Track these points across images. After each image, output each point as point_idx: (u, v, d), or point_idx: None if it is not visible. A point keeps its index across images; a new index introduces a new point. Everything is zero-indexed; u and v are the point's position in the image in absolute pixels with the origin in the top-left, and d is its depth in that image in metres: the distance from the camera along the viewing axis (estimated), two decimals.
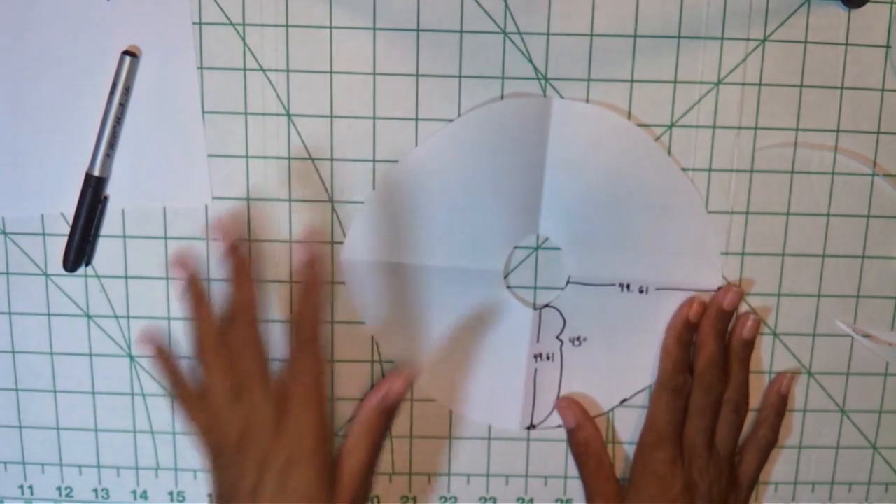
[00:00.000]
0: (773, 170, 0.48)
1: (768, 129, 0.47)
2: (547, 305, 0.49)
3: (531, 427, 0.50)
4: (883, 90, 0.47)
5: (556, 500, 0.52)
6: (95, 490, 0.52)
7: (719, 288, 0.48)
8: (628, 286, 0.48)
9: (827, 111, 0.47)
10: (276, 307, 0.49)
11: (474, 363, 0.49)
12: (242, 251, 0.43)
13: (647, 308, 0.48)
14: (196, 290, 0.43)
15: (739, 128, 0.47)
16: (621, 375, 0.50)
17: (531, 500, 0.52)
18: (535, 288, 0.49)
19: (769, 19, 0.46)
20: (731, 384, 0.48)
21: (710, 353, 0.47)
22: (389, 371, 0.49)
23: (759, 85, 0.47)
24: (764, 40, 0.46)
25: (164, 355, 0.44)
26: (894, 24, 0.46)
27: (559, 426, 0.50)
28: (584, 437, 0.49)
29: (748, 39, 0.46)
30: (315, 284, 0.43)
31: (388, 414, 0.43)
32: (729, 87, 0.47)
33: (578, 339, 0.49)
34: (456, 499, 0.52)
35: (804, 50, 0.47)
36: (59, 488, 0.52)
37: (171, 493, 0.52)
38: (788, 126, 0.47)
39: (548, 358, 0.49)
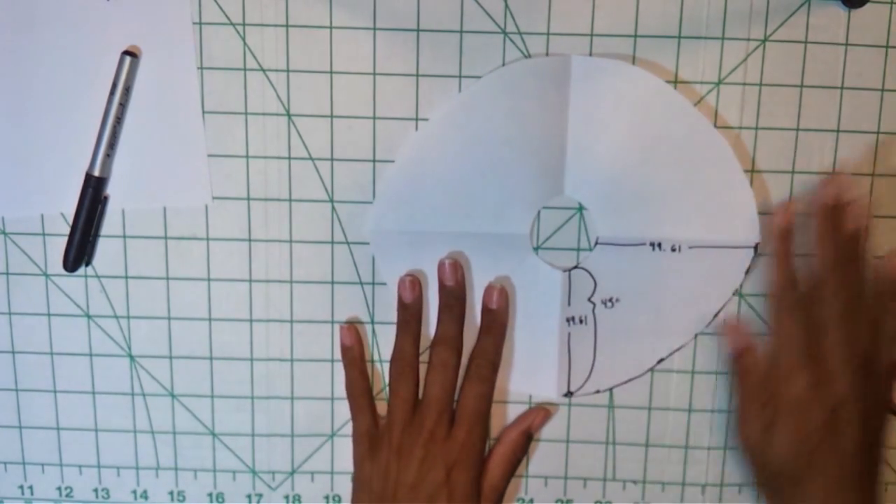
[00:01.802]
0: (773, 170, 0.48)
1: (768, 129, 0.47)
2: (576, 267, 0.48)
3: (569, 394, 0.50)
4: (883, 90, 0.47)
5: (556, 501, 0.52)
6: (96, 490, 0.52)
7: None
8: (659, 245, 0.47)
9: (827, 111, 0.47)
10: (276, 307, 0.49)
11: (507, 329, 0.48)
12: (461, 292, 0.48)
13: (680, 266, 0.47)
14: (413, 313, 0.47)
15: (740, 128, 0.47)
16: (657, 335, 0.49)
17: (531, 501, 0.52)
18: (563, 250, 0.48)
19: (769, 19, 0.46)
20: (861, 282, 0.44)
21: (827, 255, 0.44)
22: (534, 406, 0.50)
23: (760, 85, 0.47)
24: (764, 40, 0.46)
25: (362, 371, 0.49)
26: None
27: (597, 391, 0.50)
28: (752, 361, 0.46)
29: (748, 39, 0.46)
30: (500, 323, 0.47)
31: (529, 439, 0.49)
32: (729, 87, 0.47)
33: (611, 300, 0.49)
34: None
35: (804, 50, 0.47)
36: (59, 488, 0.52)
37: (171, 493, 0.52)
38: (788, 126, 0.47)
39: (581, 321, 0.49)
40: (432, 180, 0.47)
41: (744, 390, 0.47)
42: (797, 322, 0.44)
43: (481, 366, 0.47)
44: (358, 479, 0.48)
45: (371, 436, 0.48)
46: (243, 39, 0.46)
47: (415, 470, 0.45)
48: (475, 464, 0.46)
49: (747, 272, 0.48)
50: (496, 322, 0.47)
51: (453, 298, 0.47)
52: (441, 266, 0.47)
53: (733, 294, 0.48)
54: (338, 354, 0.50)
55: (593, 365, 0.49)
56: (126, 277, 0.49)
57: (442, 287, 0.47)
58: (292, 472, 0.51)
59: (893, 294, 0.45)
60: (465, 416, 0.46)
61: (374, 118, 0.47)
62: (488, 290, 0.48)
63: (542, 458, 0.51)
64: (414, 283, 0.47)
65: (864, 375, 0.43)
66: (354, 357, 0.49)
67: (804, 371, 0.43)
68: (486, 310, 0.48)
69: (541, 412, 0.50)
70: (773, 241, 0.46)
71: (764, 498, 0.46)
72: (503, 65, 0.46)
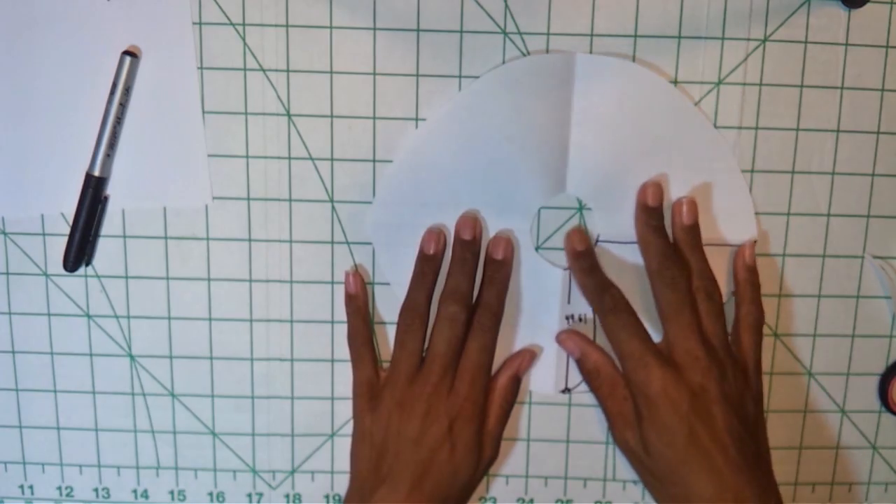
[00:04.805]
0: (773, 170, 0.48)
1: (768, 129, 0.47)
2: None
3: (566, 391, 0.50)
4: (883, 90, 0.47)
5: (556, 501, 0.52)
6: (96, 489, 0.52)
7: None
8: None
9: (827, 111, 0.47)
10: (276, 307, 0.49)
11: (507, 326, 0.48)
12: (477, 248, 0.47)
13: None
14: (432, 267, 0.47)
15: (740, 128, 0.47)
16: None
17: (531, 500, 0.52)
18: (564, 249, 0.48)
19: (769, 19, 0.46)
20: (692, 274, 0.45)
21: (657, 249, 0.45)
22: (519, 350, 0.49)
23: (760, 85, 0.47)
24: (764, 40, 0.46)
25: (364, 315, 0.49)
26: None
27: None
28: (594, 363, 0.47)
29: (748, 39, 0.46)
30: (504, 275, 0.47)
31: (518, 383, 0.48)
32: (729, 87, 0.47)
33: None
34: None
35: (804, 50, 0.47)
36: (59, 488, 0.52)
37: (171, 493, 0.52)
38: (788, 126, 0.47)
39: (580, 320, 0.49)
40: (434, 175, 0.47)
41: (600, 392, 0.47)
42: (633, 316, 0.46)
43: (484, 316, 0.47)
44: (358, 431, 0.48)
45: (372, 386, 0.48)
46: (243, 39, 0.46)
47: (417, 424, 0.45)
48: (477, 416, 0.46)
49: None
50: (500, 273, 0.47)
51: (468, 252, 0.47)
52: (461, 219, 0.47)
53: (731, 293, 0.48)
54: (338, 354, 0.50)
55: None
56: (126, 277, 0.49)
57: (458, 240, 0.47)
58: (293, 472, 0.52)
59: (746, 282, 0.47)
60: (468, 369, 0.46)
61: (374, 118, 0.47)
62: (495, 241, 0.47)
63: (542, 458, 0.51)
64: (440, 236, 0.47)
65: (707, 354, 0.44)
66: (359, 306, 0.49)
67: (655, 363, 0.44)
68: (490, 261, 0.47)
69: (527, 354, 0.49)
70: (573, 260, 0.47)
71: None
72: (502, 64, 0.46)
